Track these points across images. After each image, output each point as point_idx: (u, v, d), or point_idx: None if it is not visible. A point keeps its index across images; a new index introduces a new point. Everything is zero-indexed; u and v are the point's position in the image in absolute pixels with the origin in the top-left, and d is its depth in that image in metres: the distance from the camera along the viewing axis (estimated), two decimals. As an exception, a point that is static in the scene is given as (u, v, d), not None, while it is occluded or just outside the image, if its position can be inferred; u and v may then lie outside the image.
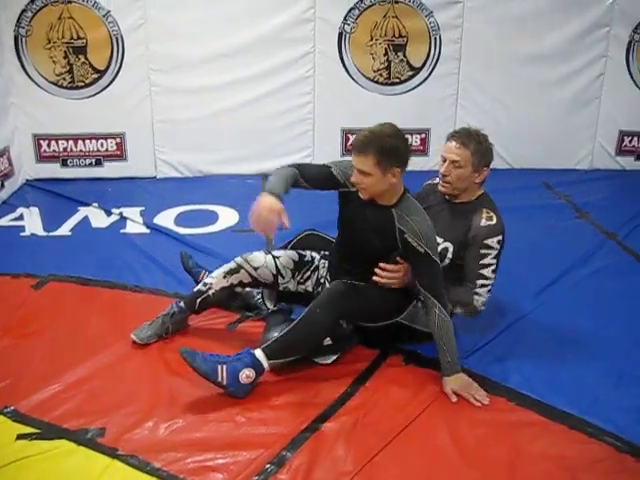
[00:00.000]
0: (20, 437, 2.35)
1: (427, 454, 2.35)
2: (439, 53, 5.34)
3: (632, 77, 5.68)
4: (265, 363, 2.63)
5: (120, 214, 4.53)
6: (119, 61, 5.00)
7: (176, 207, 4.68)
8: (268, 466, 2.26)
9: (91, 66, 5.00)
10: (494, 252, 2.87)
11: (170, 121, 5.23)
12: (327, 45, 5.20)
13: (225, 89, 5.20)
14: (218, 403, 2.58)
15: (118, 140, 5.22)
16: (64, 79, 5.01)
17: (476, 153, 2.88)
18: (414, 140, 5.54)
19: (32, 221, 4.42)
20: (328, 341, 2.83)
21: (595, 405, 2.62)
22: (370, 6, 5.15)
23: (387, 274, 2.78)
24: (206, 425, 2.47)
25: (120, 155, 5.26)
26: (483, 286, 2.88)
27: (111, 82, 5.05)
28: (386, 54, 5.29)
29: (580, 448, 2.40)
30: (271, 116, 5.28)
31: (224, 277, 2.99)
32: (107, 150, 5.23)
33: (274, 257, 3.04)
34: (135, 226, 4.37)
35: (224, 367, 2.57)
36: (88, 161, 5.24)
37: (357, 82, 5.34)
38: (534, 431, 2.48)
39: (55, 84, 5.01)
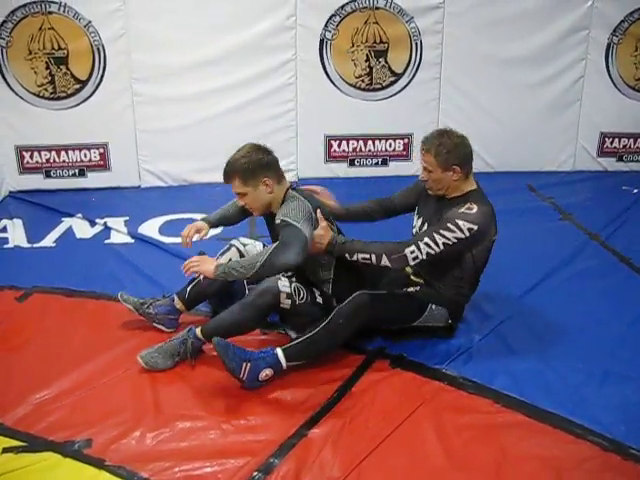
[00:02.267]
0: (6, 450, 2.34)
1: (414, 458, 2.36)
2: (420, 58, 5.37)
3: (612, 79, 5.73)
4: (284, 364, 2.72)
5: (104, 224, 4.52)
6: (101, 71, 5.00)
7: (160, 216, 4.67)
8: (255, 474, 2.26)
9: (73, 76, 5.00)
10: (458, 233, 2.81)
11: (153, 130, 5.23)
12: (309, 52, 5.22)
13: (208, 97, 5.20)
14: (205, 412, 2.59)
15: (101, 150, 5.21)
16: (46, 90, 5.00)
17: (438, 155, 2.89)
18: (397, 145, 5.57)
19: (16, 233, 4.41)
20: None
21: (581, 405, 2.64)
22: (351, 13, 5.18)
23: None
24: (193, 434, 2.47)
25: (104, 165, 5.26)
26: (426, 245, 2.83)
27: (93, 92, 5.05)
28: (367, 60, 5.32)
29: (566, 448, 2.41)
30: (254, 123, 5.27)
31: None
32: (90, 160, 5.22)
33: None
34: (119, 236, 4.36)
35: (248, 365, 2.65)
36: (71, 172, 5.24)
37: (339, 89, 5.36)
38: (520, 432, 2.49)
39: (37, 95, 5.00)
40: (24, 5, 4.78)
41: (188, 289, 3.16)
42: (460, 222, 2.82)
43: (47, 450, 2.35)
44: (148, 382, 2.76)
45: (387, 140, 5.55)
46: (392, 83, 5.42)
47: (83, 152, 5.19)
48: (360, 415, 2.56)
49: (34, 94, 5.00)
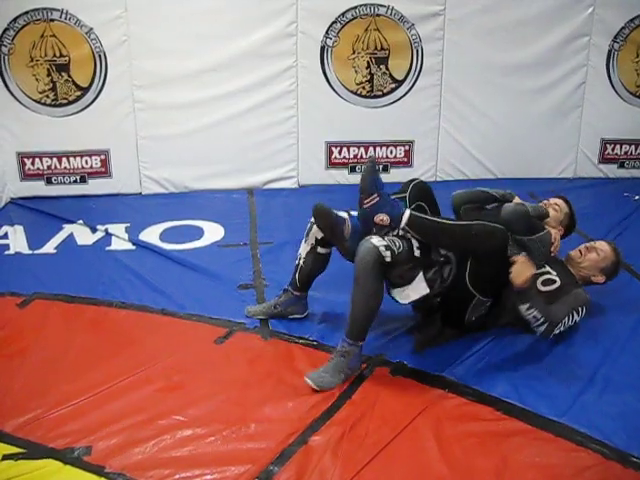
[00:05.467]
0: (6, 457, 2.34)
1: (414, 466, 2.35)
2: (421, 65, 5.36)
3: (613, 85, 5.73)
4: (403, 223, 2.80)
5: (105, 231, 4.52)
6: (102, 78, 4.99)
7: (161, 223, 4.66)
8: (255, 481, 2.26)
9: (74, 83, 5.00)
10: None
11: (154, 137, 5.22)
12: (310, 59, 5.22)
13: (209, 104, 5.20)
14: (205, 419, 2.58)
15: (102, 157, 5.20)
16: (47, 97, 5.00)
17: None
18: (398, 152, 5.57)
19: (17, 239, 4.40)
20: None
21: (582, 412, 2.63)
22: (352, 20, 5.18)
23: None
24: (194, 441, 2.47)
25: (105, 172, 5.25)
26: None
27: (95, 99, 5.05)
28: (368, 67, 5.31)
29: (567, 456, 2.41)
30: (255, 130, 5.29)
31: (305, 242, 3.18)
32: (92, 167, 5.22)
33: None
34: (120, 242, 4.35)
35: (377, 198, 2.80)
36: (73, 178, 5.23)
37: (340, 95, 5.36)
38: (521, 440, 2.48)
39: (38, 102, 5.00)
40: (26, 12, 4.78)
41: (296, 277, 3.24)
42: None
43: (47, 457, 2.34)
44: (149, 390, 2.76)
45: (388, 147, 5.54)
46: (393, 90, 5.41)
47: (84, 159, 5.19)
48: (360, 423, 2.55)
49: (36, 101, 5.00)
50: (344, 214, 2.97)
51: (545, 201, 3.54)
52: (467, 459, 2.38)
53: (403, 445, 2.44)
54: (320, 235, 3.14)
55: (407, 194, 3.21)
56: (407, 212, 2.82)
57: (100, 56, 4.94)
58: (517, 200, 3.42)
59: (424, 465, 2.35)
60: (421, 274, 2.78)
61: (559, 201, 3.54)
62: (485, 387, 2.78)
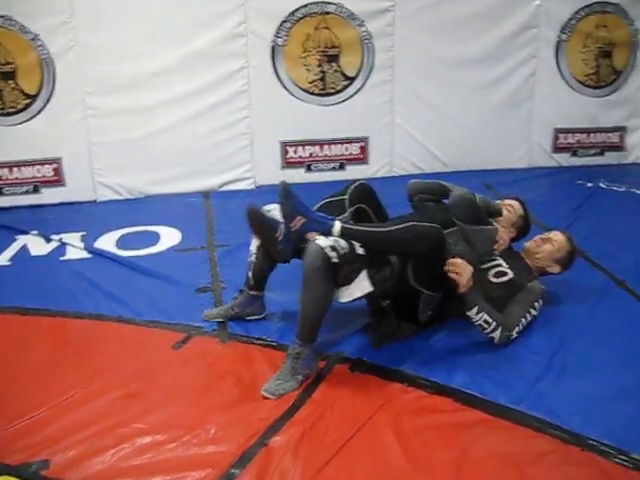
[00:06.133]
0: (-41, 477, 2.29)
1: (374, 462, 2.34)
2: (372, 62, 5.39)
3: (562, 76, 5.82)
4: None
5: (60, 240, 4.45)
6: (51, 85, 4.93)
7: (117, 230, 4.61)
8: (216, 485, 2.25)
9: (22, 91, 4.92)
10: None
11: (108, 143, 5.17)
12: (261, 59, 5.21)
13: (161, 108, 5.17)
14: (165, 425, 2.55)
15: (55, 165, 5.14)
16: (-5, 106, 4.93)
17: None
18: (353, 149, 5.59)
19: (-30, 253, 4.32)
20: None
21: (539, 399, 2.66)
22: (301, 18, 5.18)
23: None
24: (154, 448, 2.43)
25: (58, 181, 5.19)
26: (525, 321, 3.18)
27: (44, 107, 4.98)
28: (320, 65, 5.32)
29: (526, 443, 2.43)
30: (209, 133, 5.27)
31: (254, 237, 3.15)
32: (44, 176, 5.15)
33: None
34: (76, 251, 4.29)
35: (302, 220, 2.77)
36: (25, 188, 5.15)
37: (293, 94, 5.36)
38: (480, 430, 2.50)
39: (-14, 112, 4.93)
40: (-32, 20, 4.70)
41: (250, 275, 3.22)
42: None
43: (2, 474, 2.29)
44: (107, 399, 2.71)
45: (343, 144, 5.56)
46: (345, 87, 5.43)
47: (36, 168, 5.12)
48: (320, 421, 2.54)
49: (-17, 111, 4.92)
50: (278, 214, 2.97)
51: (499, 201, 3.51)
52: (427, 452, 2.38)
53: (363, 442, 2.44)
54: None
55: (347, 197, 3.19)
56: (337, 225, 2.79)
57: (47, 63, 4.88)
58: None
59: (384, 461, 2.35)
60: (364, 272, 2.78)
61: (514, 203, 3.50)
62: (443, 379, 2.79)
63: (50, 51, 4.85)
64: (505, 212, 3.40)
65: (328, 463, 2.33)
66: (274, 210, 3.09)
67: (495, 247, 3.21)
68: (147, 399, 2.73)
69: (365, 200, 3.23)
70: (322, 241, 2.69)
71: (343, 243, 2.73)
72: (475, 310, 2.88)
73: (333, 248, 2.67)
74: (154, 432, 2.52)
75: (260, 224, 2.90)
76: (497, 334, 2.95)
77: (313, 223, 2.79)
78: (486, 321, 2.90)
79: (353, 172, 5.52)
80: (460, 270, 2.84)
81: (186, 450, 2.43)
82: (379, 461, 2.36)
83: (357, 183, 3.27)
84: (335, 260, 2.66)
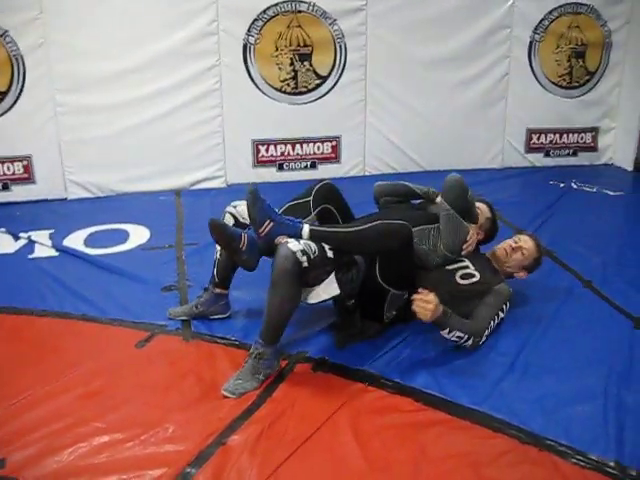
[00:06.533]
0: None
1: (332, 461, 2.34)
2: (345, 61, 5.39)
3: (535, 76, 5.86)
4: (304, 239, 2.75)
5: (28, 238, 4.41)
6: (21, 82, 4.88)
7: (86, 228, 4.58)
8: (172, 484, 2.23)
9: (-9, 88, 4.88)
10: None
11: (78, 141, 5.13)
12: (232, 57, 5.20)
13: (132, 106, 5.14)
14: (124, 424, 2.53)
15: (25, 163, 5.09)
16: (-36, 103, 4.87)
17: None
18: (325, 148, 5.59)
19: (-64, 251, 4.26)
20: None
21: (501, 399, 2.66)
22: (273, 17, 5.17)
23: None
24: (111, 447, 2.42)
25: (28, 178, 5.14)
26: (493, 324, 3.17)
27: (14, 104, 4.93)
28: (292, 64, 5.31)
29: (484, 443, 2.43)
30: (180, 131, 5.25)
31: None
32: (14, 173, 5.10)
33: None
34: (43, 249, 4.25)
35: (271, 224, 2.77)
36: (-6, 186, 5.11)
37: (265, 93, 5.35)
38: (440, 430, 2.49)
39: (-46, 108, 4.87)
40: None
41: (215, 272, 3.22)
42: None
43: (-45, 474, 2.28)
44: (68, 397, 2.69)
45: (315, 143, 5.56)
46: (318, 86, 5.43)
47: (6, 165, 5.06)
48: (279, 420, 2.53)
49: (-48, 107, 4.87)
50: (244, 210, 2.97)
51: None
52: (385, 452, 2.38)
53: (321, 441, 2.43)
54: (232, 222, 3.15)
55: (311, 198, 3.18)
56: (305, 228, 2.79)
57: (17, 59, 4.83)
58: (439, 199, 3.39)
59: (342, 460, 2.34)
60: (333, 275, 2.77)
61: (482, 206, 3.48)
62: (406, 379, 2.79)
63: (20, 47, 4.80)
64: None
65: (285, 462, 2.33)
66: (241, 206, 3.09)
67: (464, 247, 3.20)
68: (107, 398, 2.71)
69: (330, 200, 3.22)
70: (293, 245, 2.68)
71: (314, 247, 2.72)
72: (447, 331, 2.87)
73: (304, 252, 2.67)
74: (112, 431, 2.50)
75: (222, 235, 2.88)
76: (469, 343, 2.95)
77: (282, 227, 2.78)
78: (459, 336, 2.89)
79: (325, 171, 5.53)
80: (427, 306, 2.74)
81: (143, 449, 2.41)
82: (336, 460, 2.35)
83: (321, 183, 3.25)
84: (306, 265, 2.66)
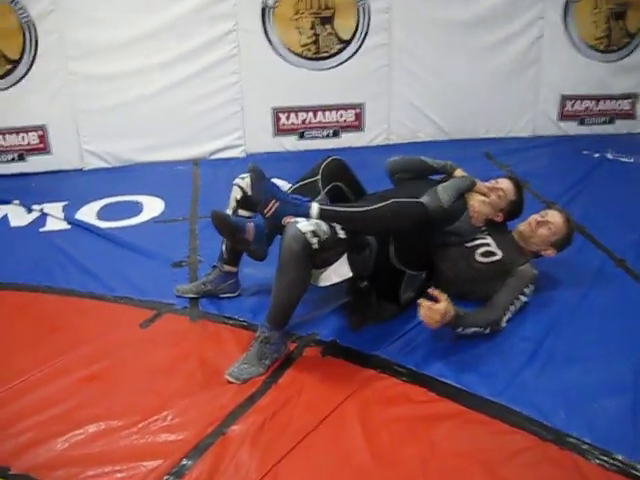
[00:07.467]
0: None
1: (336, 456, 2.20)
2: (368, 24, 5.15)
3: (571, 39, 5.56)
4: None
5: (41, 210, 4.31)
6: (33, 50, 4.74)
7: (100, 200, 4.46)
8: (166, 477, 2.12)
9: (4, 57, 4.73)
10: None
11: (94, 110, 4.98)
12: (250, 21, 4.98)
13: (148, 73, 4.97)
14: (122, 411, 2.43)
15: (40, 133, 4.97)
16: (-24, 71, 4.76)
17: None
18: (348, 116, 5.39)
19: (-51, 223, 4.19)
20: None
21: (521, 391, 2.50)
22: (293, -22, 4.96)
23: None
24: (106, 436, 2.32)
25: (44, 148, 5.02)
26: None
27: (27, 72, 4.79)
28: (313, 28, 5.09)
29: (500, 439, 2.27)
30: (198, 98, 5.08)
31: (228, 207, 3.04)
32: (29, 144, 4.98)
33: None
34: (55, 222, 4.15)
35: (276, 204, 2.60)
36: (10, 156, 4.99)
37: (285, 58, 5.15)
38: (452, 423, 2.34)
39: (-33, 77, 4.76)
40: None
41: (223, 249, 3.11)
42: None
43: (-58, 463, 2.19)
44: (66, 381, 2.59)
45: (338, 111, 5.36)
46: (340, 51, 5.20)
47: (21, 135, 4.94)
48: (284, 409, 2.41)
49: (-36, 76, 4.76)
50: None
51: (493, 181, 3.23)
52: (393, 446, 2.24)
53: (326, 433, 2.30)
54: (239, 195, 3.01)
55: (319, 177, 3.01)
56: (314, 207, 2.61)
57: (29, 27, 4.68)
58: (459, 173, 3.19)
59: (346, 454, 2.21)
60: (345, 256, 2.62)
61: (507, 186, 3.20)
62: (420, 366, 2.63)
63: (30, 15, 4.65)
64: (494, 197, 3.14)
65: (287, 455, 2.20)
66: (247, 178, 2.93)
67: (473, 221, 3.02)
68: (107, 382, 2.61)
69: (340, 178, 3.05)
70: (303, 225, 2.52)
71: (325, 227, 2.56)
72: (460, 329, 2.70)
73: (314, 233, 2.50)
74: (109, 418, 2.40)
75: (225, 227, 2.75)
76: (487, 331, 2.77)
77: (289, 206, 2.61)
78: (475, 331, 2.73)
79: (348, 140, 5.35)
80: (434, 316, 2.55)
81: (140, 438, 2.31)
82: (341, 455, 2.22)
83: (328, 160, 3.08)
84: (316, 246, 2.50)
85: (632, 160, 5.21)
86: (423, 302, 2.55)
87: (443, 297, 2.57)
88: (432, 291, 2.59)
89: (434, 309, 2.53)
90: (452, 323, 2.62)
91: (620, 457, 2.16)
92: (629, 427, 2.31)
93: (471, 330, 2.71)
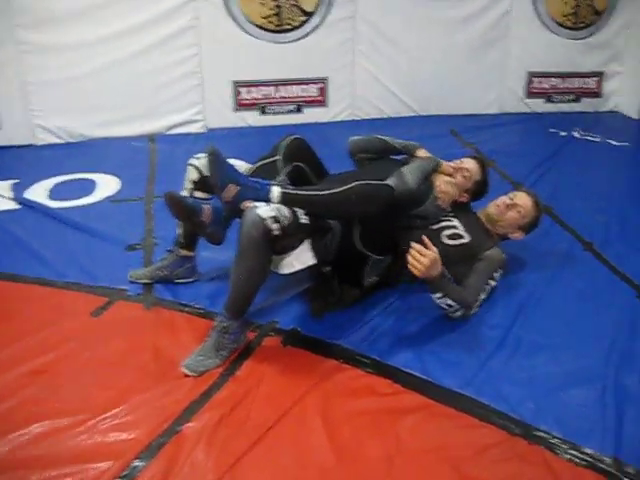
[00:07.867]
0: None
1: (298, 453, 2.10)
2: (333, -5, 5.01)
3: (539, 15, 5.48)
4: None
5: (-12, 190, 4.11)
6: (-22, 18, 4.50)
7: (52, 177, 4.26)
8: (116, 480, 2.00)
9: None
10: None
11: (45, 82, 4.77)
12: (210, -9, 4.82)
13: (104, 44, 4.77)
14: (71, 408, 2.28)
15: (-13, 106, 4.74)
16: None
17: None
18: (311, 90, 5.25)
19: None
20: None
21: (488, 381, 2.43)
22: (255, -55, 4.78)
23: None
24: (54, 436, 2.17)
25: (-8, 122, 4.80)
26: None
27: (-30, 42, 4.56)
28: (275, -1, 4.94)
29: (468, 434, 2.19)
30: (155, 71, 4.91)
31: (183, 188, 2.91)
32: (-23, 117, 4.76)
33: None
34: (3, 202, 3.94)
35: (236, 189, 2.47)
36: (-43, 130, 4.76)
37: (246, 31, 5.00)
38: (418, 417, 2.25)
39: None
40: None
41: (179, 233, 2.98)
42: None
43: None
44: (10, 376, 2.43)
45: (300, 85, 5.22)
46: (303, 23, 5.07)
47: (-32, 109, 4.72)
48: (242, 404, 2.29)
49: None
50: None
51: (458, 161, 3.14)
52: (356, 442, 2.14)
53: (287, 429, 2.19)
54: (196, 176, 2.87)
55: (280, 156, 2.87)
56: (275, 191, 2.47)
57: (-27, -8, 4.44)
58: (422, 153, 3.09)
59: (308, 451, 2.10)
60: (307, 242, 2.50)
61: (472, 166, 3.12)
62: (385, 356, 2.54)
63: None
64: (459, 178, 3.06)
65: (246, 454, 2.09)
66: (203, 159, 2.79)
67: (439, 203, 2.92)
68: (54, 376, 2.46)
69: (301, 158, 2.90)
70: (263, 210, 2.38)
71: (286, 212, 2.43)
72: (439, 295, 2.59)
73: (275, 219, 2.37)
74: (56, 416, 2.25)
75: (181, 209, 2.61)
76: (458, 314, 2.68)
77: (249, 190, 2.47)
78: (449, 305, 2.62)
79: (312, 115, 5.22)
80: (422, 259, 2.45)
81: (89, 438, 2.17)
82: (302, 452, 2.11)
83: (289, 139, 2.94)
84: (277, 233, 2.37)
85: (598, 139, 5.17)
86: (415, 245, 2.46)
87: (434, 249, 2.47)
88: (425, 239, 2.50)
89: (425, 252, 2.44)
90: (436, 281, 2.53)
91: (589, 451, 2.10)
92: (598, 418, 2.25)
93: (446, 302, 2.61)
